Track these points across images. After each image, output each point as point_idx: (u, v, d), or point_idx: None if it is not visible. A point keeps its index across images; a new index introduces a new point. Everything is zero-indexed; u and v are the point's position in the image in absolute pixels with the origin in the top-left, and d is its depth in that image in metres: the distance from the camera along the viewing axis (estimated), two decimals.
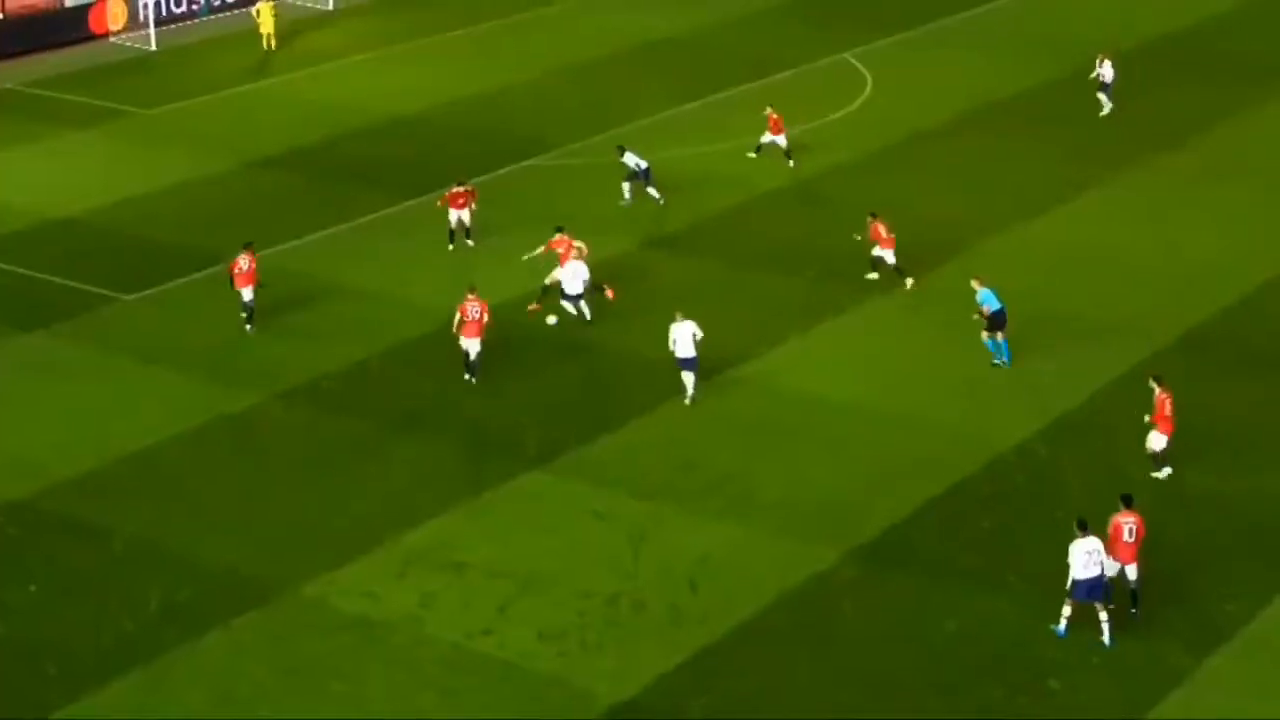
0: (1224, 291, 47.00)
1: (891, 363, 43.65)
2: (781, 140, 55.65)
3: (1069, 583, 32.05)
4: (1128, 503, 33.11)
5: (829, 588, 34.49)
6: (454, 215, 50.02)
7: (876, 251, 47.04)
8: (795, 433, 40.25)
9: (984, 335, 42.78)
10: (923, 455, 39.17)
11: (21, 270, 49.09)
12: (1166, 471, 37.50)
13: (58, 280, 48.34)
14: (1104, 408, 41.09)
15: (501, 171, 55.65)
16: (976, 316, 42.76)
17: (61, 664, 32.13)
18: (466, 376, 42.04)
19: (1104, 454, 39.00)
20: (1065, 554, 32.15)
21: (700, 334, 40.93)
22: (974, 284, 42.91)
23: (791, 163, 55.42)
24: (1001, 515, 36.86)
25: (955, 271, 47.59)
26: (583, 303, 45.06)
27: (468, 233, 50.16)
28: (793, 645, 32.76)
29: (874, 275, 47.10)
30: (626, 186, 52.62)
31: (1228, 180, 54.95)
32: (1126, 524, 32.78)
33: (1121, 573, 32.76)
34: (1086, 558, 31.80)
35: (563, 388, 42.37)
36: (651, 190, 52.43)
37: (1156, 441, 37.47)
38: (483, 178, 53.98)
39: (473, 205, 49.66)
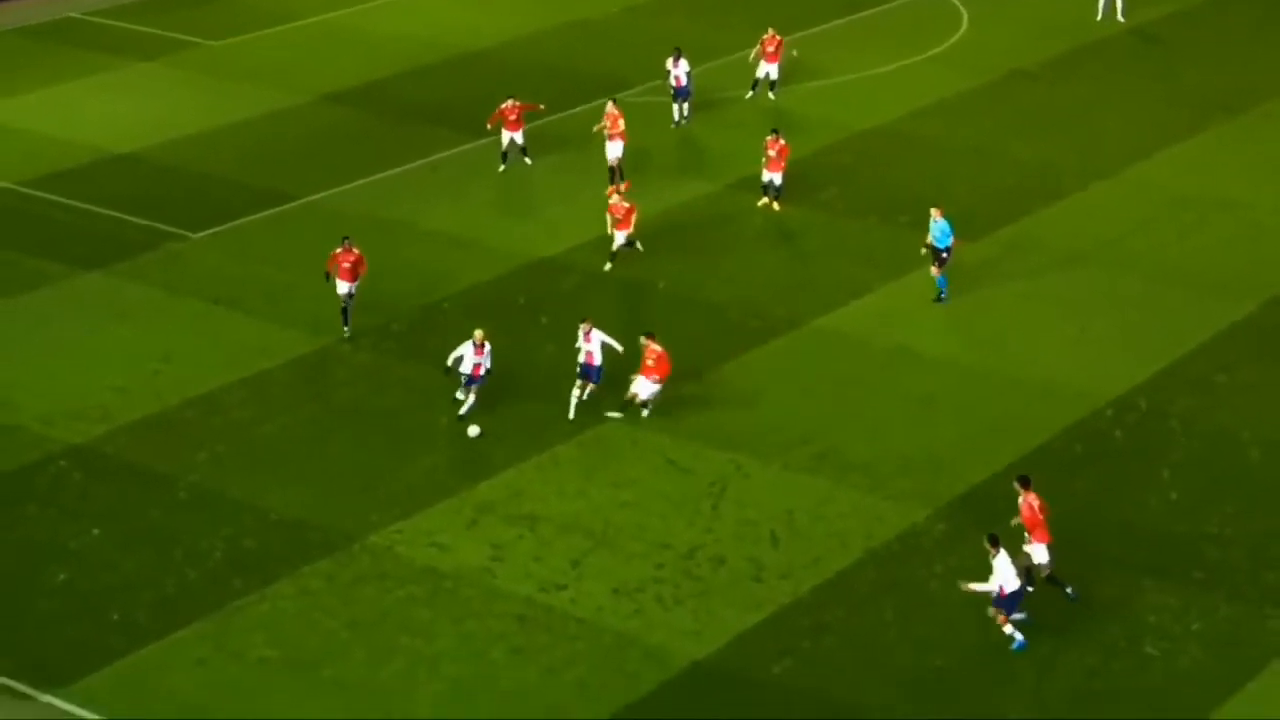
0: None
1: (982, 315, 43.41)
2: (774, 71, 55.03)
3: (1003, 598, 31.08)
4: (1026, 483, 32.25)
5: (917, 546, 34.45)
6: (506, 136, 50.41)
7: (765, 175, 47.57)
8: (882, 387, 40.14)
9: (933, 270, 42.78)
10: (1015, 411, 39.00)
11: (85, 206, 49.48)
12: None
13: (122, 217, 48.71)
14: (1207, 363, 40.75)
15: (579, 109, 55.55)
16: (924, 250, 42.71)
17: (124, 611, 32.53)
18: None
19: (1207, 411, 38.69)
20: (1164, 516, 31.93)
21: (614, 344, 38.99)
22: (933, 213, 42.58)
23: (772, 95, 54.99)
24: (1097, 473, 36.66)
25: (1053, 219, 47.20)
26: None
27: (524, 151, 50.29)
28: (879, 605, 32.74)
29: (763, 201, 48.04)
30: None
31: None
32: (1037, 503, 32.09)
33: (1031, 558, 32.03)
34: (1011, 570, 31.25)
35: (638, 337, 42.38)
36: (679, 109, 53.26)
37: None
38: (561, 115, 54.03)
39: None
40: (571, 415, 38.25)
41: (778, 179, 48.10)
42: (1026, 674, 30.87)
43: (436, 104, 56.63)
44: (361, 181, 50.82)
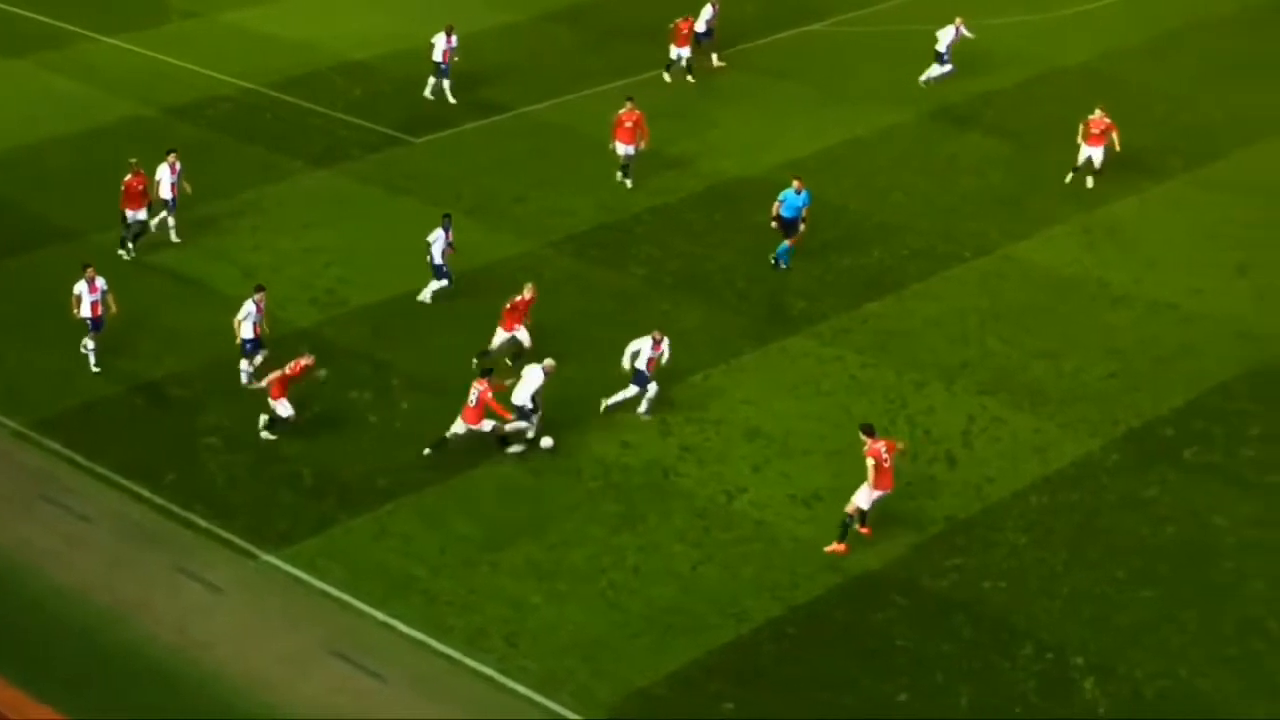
0: None
1: (1167, 250, 43.31)
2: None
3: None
4: (869, 431, 32.13)
5: (1091, 475, 34.73)
6: (674, 52, 51.30)
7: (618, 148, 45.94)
8: (1067, 316, 40.28)
9: (787, 242, 41.74)
10: (1194, 346, 38.98)
11: (318, 109, 51.03)
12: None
13: (352, 120, 50.18)
14: None
15: (779, 36, 55.89)
16: (774, 224, 41.80)
17: (339, 484, 33.98)
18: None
19: None
20: None
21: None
22: (794, 184, 41.28)
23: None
24: (1274, 414, 36.63)
25: (1237, 164, 46.97)
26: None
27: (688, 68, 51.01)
28: (1050, 528, 33.14)
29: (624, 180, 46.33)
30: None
31: None
32: (884, 448, 31.96)
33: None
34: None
35: (829, 256, 42.96)
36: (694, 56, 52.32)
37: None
38: (758, 41, 54.42)
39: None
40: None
41: (630, 151, 45.55)
42: (1192, 596, 31.13)
43: (640, 23, 56.94)
44: (569, 96, 51.70)
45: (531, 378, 34.97)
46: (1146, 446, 35.57)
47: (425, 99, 51.18)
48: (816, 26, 57.31)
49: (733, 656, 29.70)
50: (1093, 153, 45.60)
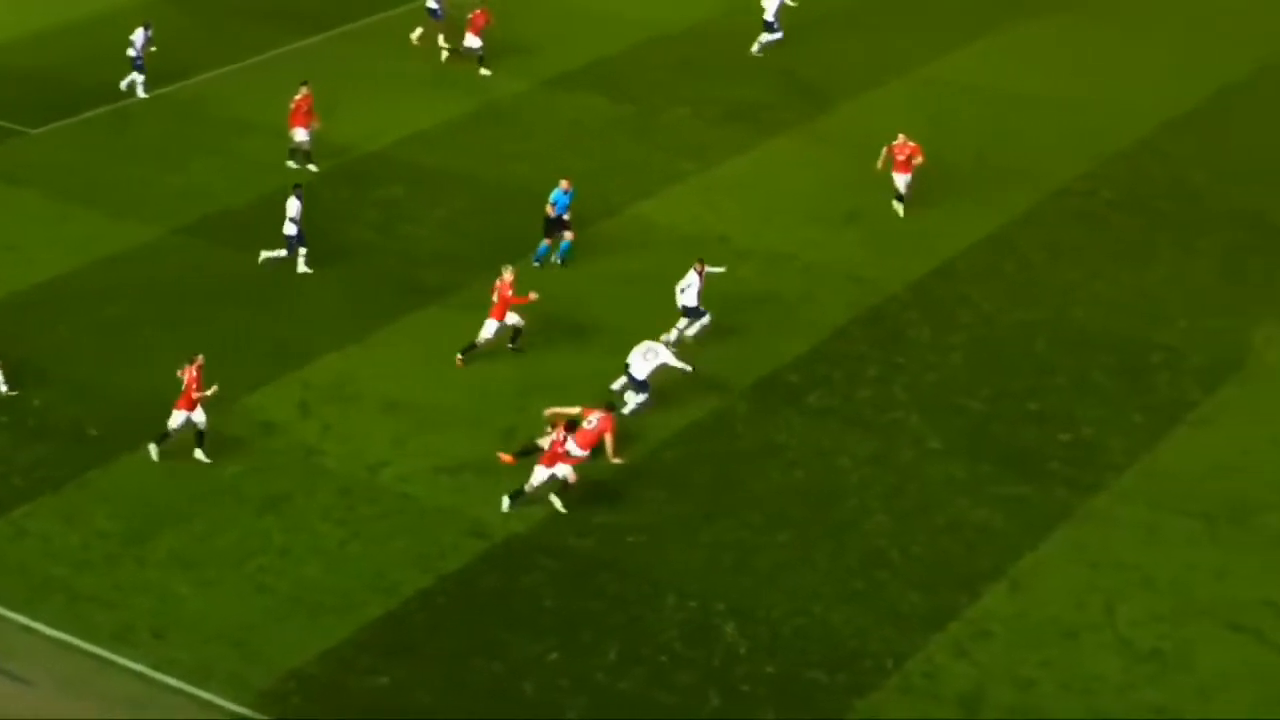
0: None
1: (782, 203, 44.18)
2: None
3: None
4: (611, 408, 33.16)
5: (725, 425, 35.27)
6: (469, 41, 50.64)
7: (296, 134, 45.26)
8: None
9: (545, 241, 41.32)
10: (812, 294, 39.79)
11: None
12: None
13: None
14: None
15: (398, 10, 55.30)
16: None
17: None
18: None
19: None
20: None
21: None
22: (562, 184, 40.83)
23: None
24: (887, 355, 37.71)
25: (843, 117, 48.22)
26: None
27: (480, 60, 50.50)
28: (689, 480, 33.54)
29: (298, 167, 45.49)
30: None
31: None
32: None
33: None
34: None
35: (462, 225, 42.72)
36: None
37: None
38: (381, 15, 53.75)
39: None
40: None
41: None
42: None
43: (258, 8, 55.78)
44: (202, 77, 50.45)
45: (658, 355, 34.74)
46: (774, 394, 36.26)
47: (51, 88, 49.13)
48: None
49: (384, 630, 29.36)
50: (901, 180, 42.88)
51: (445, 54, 51.41)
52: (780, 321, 38.88)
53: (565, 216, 40.79)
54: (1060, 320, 39.17)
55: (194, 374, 33.15)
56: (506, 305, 36.84)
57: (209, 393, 33.22)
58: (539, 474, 31.89)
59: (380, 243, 41.60)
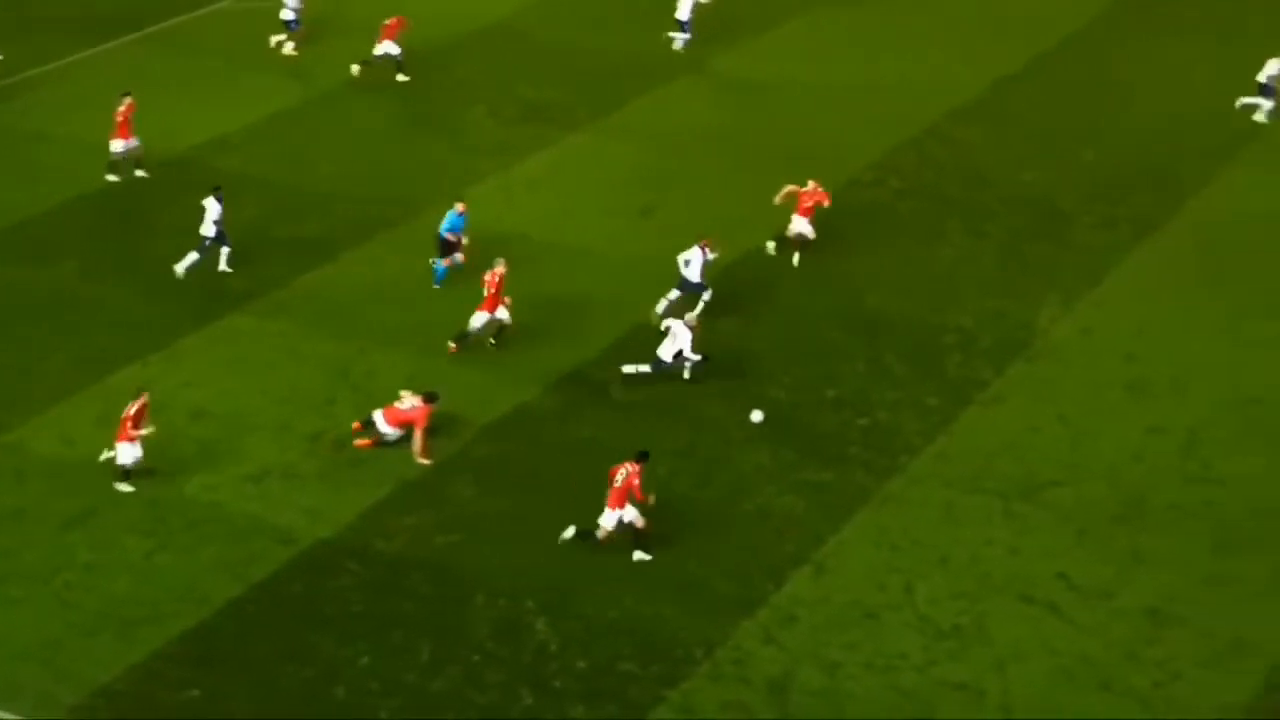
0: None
1: (580, 199, 44.27)
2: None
3: None
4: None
5: (531, 421, 35.30)
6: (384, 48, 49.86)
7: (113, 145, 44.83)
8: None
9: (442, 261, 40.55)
10: (613, 288, 39.98)
11: None
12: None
13: None
14: None
15: (195, 14, 54.40)
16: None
17: None
18: None
19: None
20: None
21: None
22: (457, 206, 40.41)
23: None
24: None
25: (634, 112, 48.33)
26: None
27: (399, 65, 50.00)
28: (497, 476, 33.44)
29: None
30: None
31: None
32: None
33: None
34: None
35: (263, 229, 42.22)
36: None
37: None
38: (172, 20, 52.89)
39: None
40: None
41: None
42: None
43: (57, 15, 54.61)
44: None
45: (680, 335, 35.75)
46: (580, 388, 36.34)
47: None
48: (224, 4, 55.95)
49: (195, 642, 28.99)
50: (803, 226, 41.22)
51: (286, 52, 51.39)
52: (584, 316, 38.97)
53: (459, 238, 39.98)
54: (854, 307, 39.78)
55: (133, 411, 32.45)
56: (498, 298, 36.85)
57: (145, 432, 32.50)
58: (608, 518, 31.21)
59: (180, 249, 40.90)
